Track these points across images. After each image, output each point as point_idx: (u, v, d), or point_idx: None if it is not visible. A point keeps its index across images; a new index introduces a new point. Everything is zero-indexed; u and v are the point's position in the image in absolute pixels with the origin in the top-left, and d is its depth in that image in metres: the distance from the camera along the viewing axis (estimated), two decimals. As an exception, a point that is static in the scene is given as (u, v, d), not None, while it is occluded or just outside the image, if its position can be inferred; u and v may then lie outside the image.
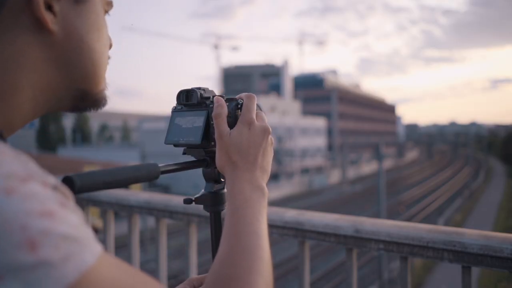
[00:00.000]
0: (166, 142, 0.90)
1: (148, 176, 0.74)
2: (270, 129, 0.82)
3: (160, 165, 0.77)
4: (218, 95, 0.89)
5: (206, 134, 0.85)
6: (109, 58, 0.74)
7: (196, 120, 0.86)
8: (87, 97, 0.70)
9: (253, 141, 0.79)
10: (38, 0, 0.58)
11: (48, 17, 0.60)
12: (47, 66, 0.62)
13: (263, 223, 0.76)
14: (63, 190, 0.48)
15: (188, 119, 0.88)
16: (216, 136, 0.80)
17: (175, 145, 0.89)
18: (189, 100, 0.88)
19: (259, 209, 0.76)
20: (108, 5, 0.72)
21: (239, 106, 0.85)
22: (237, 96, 0.86)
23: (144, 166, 0.73)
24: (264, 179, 0.80)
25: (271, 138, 0.83)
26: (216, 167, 0.89)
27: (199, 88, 0.88)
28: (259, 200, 0.77)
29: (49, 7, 0.60)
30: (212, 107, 0.86)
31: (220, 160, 0.79)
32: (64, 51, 0.64)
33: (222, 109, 0.81)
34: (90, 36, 0.66)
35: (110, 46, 0.74)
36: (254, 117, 0.81)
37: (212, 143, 0.86)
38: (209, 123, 0.85)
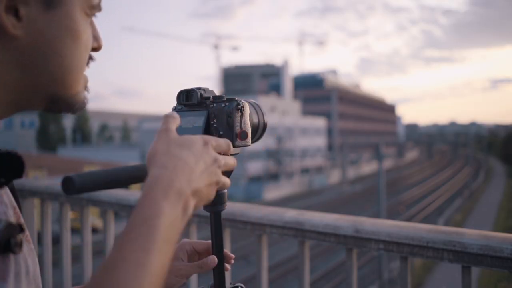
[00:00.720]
0: None
1: (146, 176, 0.73)
2: (210, 140, 0.73)
3: None
4: (216, 95, 0.89)
5: (206, 134, 0.85)
6: (91, 60, 0.72)
7: (196, 120, 0.86)
8: (59, 100, 0.69)
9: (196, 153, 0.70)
10: None
11: (9, 21, 0.59)
12: (11, 68, 0.62)
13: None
14: None
15: (188, 119, 0.88)
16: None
17: None
18: (189, 100, 0.88)
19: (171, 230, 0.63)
20: (93, 8, 0.69)
21: (239, 106, 0.85)
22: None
23: (144, 166, 0.72)
24: (188, 186, 0.67)
25: (211, 152, 0.73)
26: None
27: (199, 88, 0.88)
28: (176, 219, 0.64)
29: (16, 11, 0.60)
30: (213, 107, 0.86)
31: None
32: (29, 55, 0.63)
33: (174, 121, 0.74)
34: (61, 42, 0.65)
35: (98, 48, 0.73)
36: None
37: None
38: (209, 123, 0.85)
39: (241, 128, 0.85)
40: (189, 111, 0.89)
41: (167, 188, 0.63)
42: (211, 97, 0.88)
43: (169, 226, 0.61)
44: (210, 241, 0.93)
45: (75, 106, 0.71)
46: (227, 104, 0.85)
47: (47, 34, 0.63)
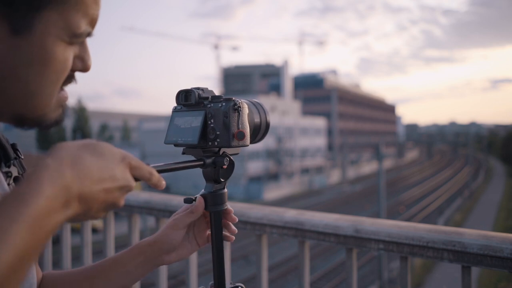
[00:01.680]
0: (166, 142, 0.90)
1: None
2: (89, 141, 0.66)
3: (153, 165, 0.76)
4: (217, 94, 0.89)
5: (203, 134, 0.85)
6: (71, 81, 0.71)
7: (194, 120, 0.86)
8: (25, 120, 0.69)
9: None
10: None
11: None
12: None
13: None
14: None
15: (186, 119, 0.88)
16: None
17: (175, 145, 0.89)
18: (188, 100, 0.88)
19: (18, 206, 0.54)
20: (75, 36, 0.67)
21: (236, 106, 0.85)
22: None
23: None
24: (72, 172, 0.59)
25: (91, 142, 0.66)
26: (215, 167, 0.89)
27: (198, 88, 0.88)
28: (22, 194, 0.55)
29: None
30: (210, 107, 0.86)
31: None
32: None
33: None
34: (27, 68, 0.64)
35: (84, 70, 0.71)
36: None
37: (210, 143, 0.86)
38: (206, 123, 0.86)
39: (238, 128, 0.84)
40: (188, 111, 0.89)
41: (56, 178, 0.57)
42: (210, 97, 0.88)
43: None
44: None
45: (44, 124, 0.71)
46: (223, 104, 0.85)
47: (11, 60, 0.63)
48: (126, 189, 0.66)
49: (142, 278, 0.92)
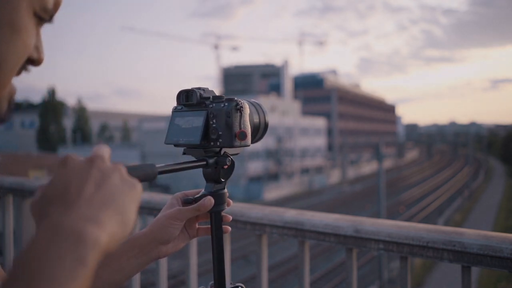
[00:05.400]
0: (166, 142, 0.90)
1: (145, 177, 0.71)
2: (103, 154, 0.58)
3: (157, 165, 0.75)
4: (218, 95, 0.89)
5: (205, 134, 0.85)
6: (25, 70, 0.63)
7: (195, 120, 0.86)
8: None
9: (73, 177, 0.54)
10: None
11: None
12: None
13: None
14: None
15: (187, 119, 0.88)
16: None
17: (175, 145, 0.89)
18: (189, 100, 0.88)
19: (55, 268, 0.46)
20: (44, 11, 0.60)
21: (238, 106, 0.85)
22: None
23: (141, 167, 0.71)
24: (94, 220, 0.51)
25: (111, 165, 0.58)
26: (216, 167, 0.89)
27: (199, 88, 0.88)
28: (61, 251, 0.47)
29: None
30: (212, 107, 0.86)
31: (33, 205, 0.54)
32: None
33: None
34: None
35: (38, 60, 0.63)
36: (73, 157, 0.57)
37: (212, 143, 0.86)
38: (208, 123, 0.86)
39: (240, 128, 0.85)
40: (189, 111, 0.89)
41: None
42: (211, 97, 0.88)
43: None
44: (201, 189, 0.93)
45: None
46: (226, 104, 0.85)
47: None
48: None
49: (135, 275, 0.87)
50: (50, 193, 0.53)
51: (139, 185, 0.59)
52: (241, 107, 0.85)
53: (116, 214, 0.53)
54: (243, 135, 0.85)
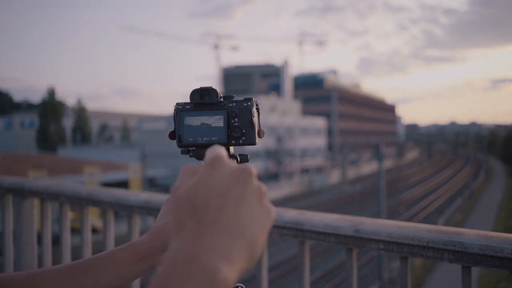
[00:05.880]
0: (182, 144, 0.87)
1: None
2: (252, 171, 0.51)
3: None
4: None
5: (228, 133, 0.87)
6: None
7: (215, 119, 0.86)
8: None
9: (215, 188, 0.49)
10: None
11: None
12: None
13: None
14: None
15: (203, 118, 0.87)
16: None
17: (194, 146, 0.88)
18: (208, 99, 0.87)
19: None
20: None
21: (257, 106, 0.89)
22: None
23: None
24: (227, 255, 0.47)
25: (256, 184, 0.51)
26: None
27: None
28: None
29: None
30: (232, 106, 0.87)
31: (166, 224, 0.50)
32: None
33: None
34: None
35: None
36: (221, 159, 0.51)
37: (233, 141, 0.86)
38: (229, 122, 0.86)
39: (260, 126, 0.88)
40: (204, 110, 0.87)
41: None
42: (223, 96, 0.89)
43: None
44: None
45: None
46: (248, 103, 0.87)
47: None
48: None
49: (134, 281, 0.85)
50: (190, 199, 0.48)
51: (273, 211, 0.52)
52: (258, 106, 0.89)
53: (248, 247, 0.48)
54: (262, 133, 0.88)
